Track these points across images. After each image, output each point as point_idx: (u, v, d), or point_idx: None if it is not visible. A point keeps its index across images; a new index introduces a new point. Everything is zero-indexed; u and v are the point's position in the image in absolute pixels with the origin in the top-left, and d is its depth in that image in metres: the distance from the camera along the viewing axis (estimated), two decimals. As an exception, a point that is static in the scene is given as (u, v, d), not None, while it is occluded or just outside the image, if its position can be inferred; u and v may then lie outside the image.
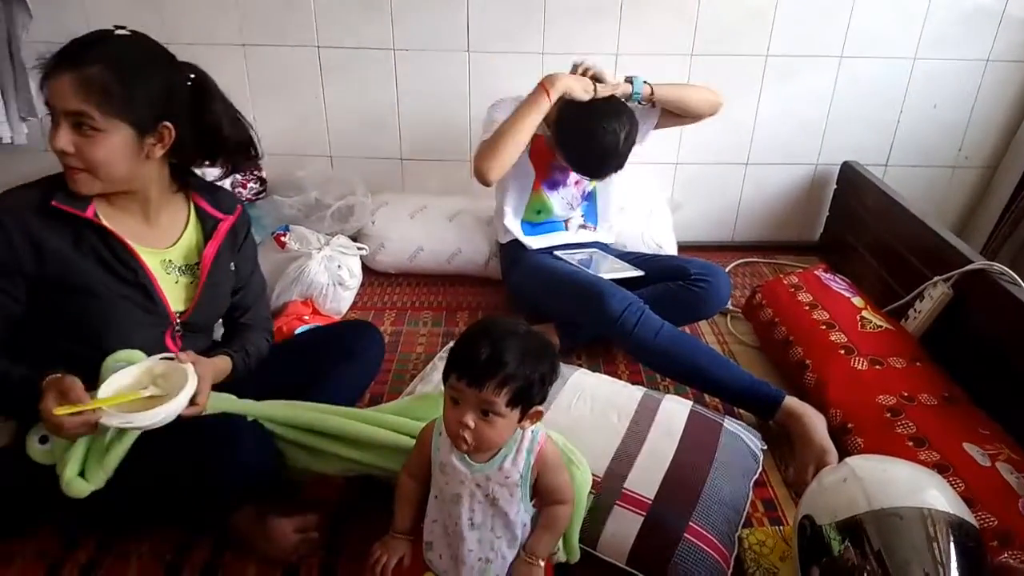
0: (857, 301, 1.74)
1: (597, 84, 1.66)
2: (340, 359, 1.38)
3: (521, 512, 1.03)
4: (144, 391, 1.01)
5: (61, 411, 0.92)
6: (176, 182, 1.18)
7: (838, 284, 1.82)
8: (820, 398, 1.52)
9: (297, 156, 2.21)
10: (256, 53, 2.07)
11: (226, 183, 1.99)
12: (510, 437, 1.01)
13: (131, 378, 1.02)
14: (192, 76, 1.12)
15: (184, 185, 1.20)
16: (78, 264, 1.05)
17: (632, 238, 2.11)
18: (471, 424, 0.93)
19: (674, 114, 1.82)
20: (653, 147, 2.21)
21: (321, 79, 2.11)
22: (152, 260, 1.14)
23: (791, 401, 1.46)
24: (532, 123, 1.64)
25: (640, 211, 2.17)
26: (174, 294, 1.17)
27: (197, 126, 1.11)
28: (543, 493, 1.05)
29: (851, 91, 2.18)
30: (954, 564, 0.95)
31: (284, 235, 1.83)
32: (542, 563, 1.07)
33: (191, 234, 1.21)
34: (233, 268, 1.27)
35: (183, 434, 1.01)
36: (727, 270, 2.23)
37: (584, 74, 1.68)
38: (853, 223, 2.20)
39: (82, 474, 1.00)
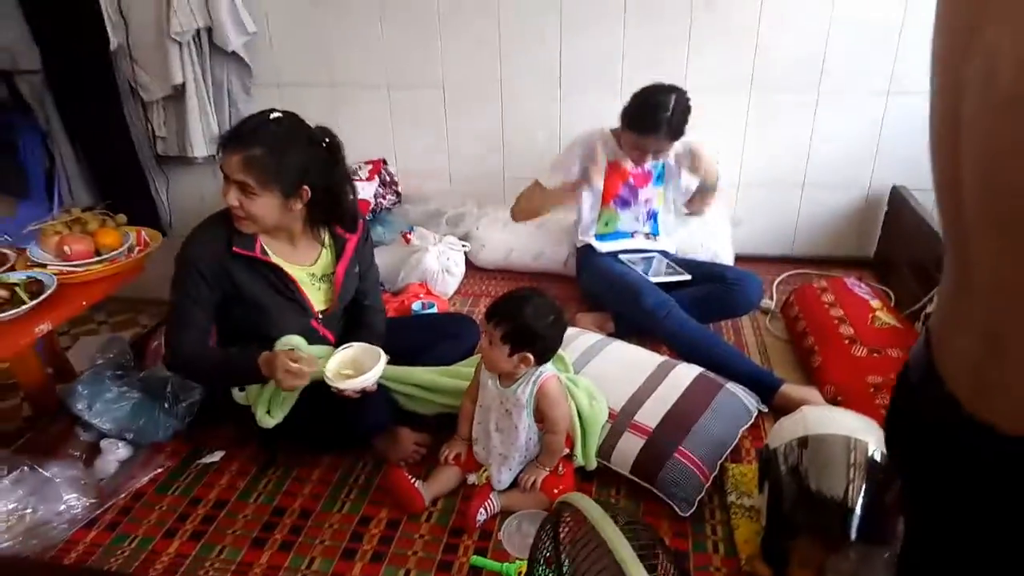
0: (875, 303, 2.02)
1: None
2: (449, 337, 1.89)
3: (525, 426, 1.51)
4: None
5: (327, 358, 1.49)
6: (314, 218, 1.61)
7: (862, 289, 2.10)
8: (819, 376, 1.84)
9: (424, 174, 2.78)
10: (397, 93, 2.67)
11: (370, 194, 2.61)
12: (523, 373, 1.49)
13: (341, 355, 1.53)
14: (326, 139, 1.56)
15: (321, 219, 1.63)
16: (253, 286, 1.56)
17: (692, 247, 2.48)
18: (485, 345, 1.46)
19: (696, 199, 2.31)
20: (718, 166, 2.57)
21: (445, 113, 2.68)
22: (300, 274, 1.62)
23: (788, 387, 1.80)
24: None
25: (702, 225, 2.53)
26: (317, 297, 1.66)
27: (327, 186, 1.56)
28: (541, 418, 1.51)
29: (900, 122, 2.43)
30: (862, 483, 1.27)
31: (409, 234, 2.40)
32: (546, 470, 1.53)
33: (327, 252, 1.68)
34: (357, 270, 1.73)
35: (335, 395, 1.50)
36: (781, 279, 2.55)
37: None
38: (897, 242, 2.43)
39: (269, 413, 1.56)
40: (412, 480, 1.53)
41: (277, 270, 1.59)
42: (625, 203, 2.31)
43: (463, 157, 2.75)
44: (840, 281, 2.16)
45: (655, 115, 2.05)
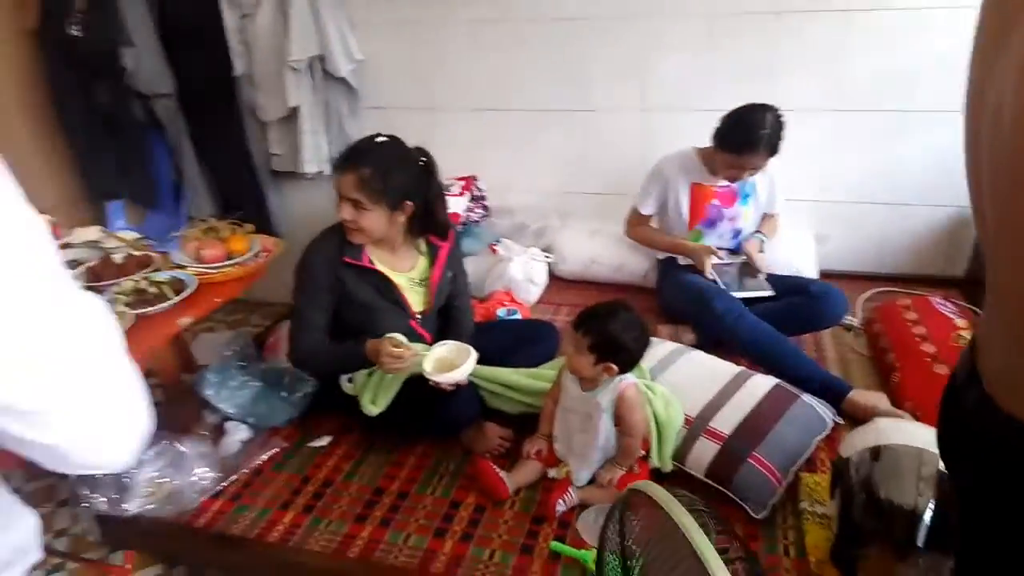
0: (960, 322, 2.01)
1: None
2: (531, 342, 2.03)
3: (605, 429, 1.61)
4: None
5: (426, 354, 1.67)
6: (412, 229, 1.81)
7: (947, 308, 2.09)
8: (899, 393, 1.85)
9: (511, 189, 2.93)
10: (487, 114, 2.84)
11: (462, 207, 2.78)
12: (605, 381, 1.59)
13: (437, 352, 1.70)
14: (423, 159, 1.76)
15: (418, 230, 1.83)
16: (361, 290, 1.77)
17: (774, 263, 2.50)
18: (570, 351, 1.56)
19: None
20: (802, 184, 2.60)
21: (532, 132, 2.82)
22: (401, 280, 1.83)
23: (856, 393, 1.84)
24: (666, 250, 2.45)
25: (786, 241, 2.56)
26: (415, 300, 1.87)
27: (425, 200, 1.76)
28: (619, 422, 1.61)
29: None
30: (931, 494, 1.30)
31: (496, 245, 2.55)
32: (623, 469, 1.63)
33: (424, 259, 1.89)
34: (450, 275, 1.93)
35: (429, 390, 1.67)
36: (866, 296, 2.54)
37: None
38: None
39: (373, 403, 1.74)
40: (497, 471, 1.66)
41: (382, 276, 1.78)
42: (711, 224, 2.38)
43: (548, 173, 2.89)
44: (925, 299, 2.16)
45: (754, 132, 2.10)
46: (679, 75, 2.58)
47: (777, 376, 1.86)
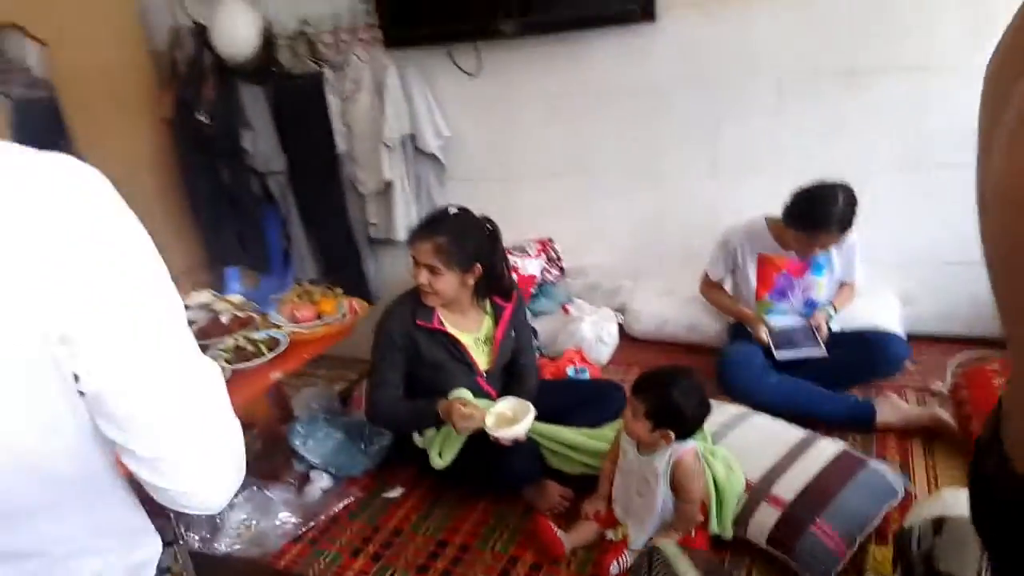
0: (1057, 389, 1.87)
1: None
2: (596, 402, 2.09)
3: (662, 493, 1.61)
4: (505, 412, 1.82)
5: (488, 409, 1.78)
6: (479, 290, 1.95)
7: (1043, 373, 1.95)
8: (983, 463, 1.74)
9: (585, 250, 3.02)
10: (562, 180, 2.96)
11: (537, 269, 2.89)
12: (661, 448, 1.60)
13: (499, 408, 1.82)
14: (489, 226, 1.93)
15: (484, 291, 1.98)
16: (432, 351, 1.91)
17: (856, 326, 2.42)
18: (628, 416, 1.58)
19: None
20: (885, 246, 2.53)
21: (605, 195, 2.92)
22: (468, 340, 1.97)
23: (882, 413, 2.00)
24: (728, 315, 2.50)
25: (870, 304, 2.48)
26: (481, 359, 1.99)
27: (491, 263, 1.91)
28: (676, 488, 1.61)
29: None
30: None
31: (569, 305, 2.64)
32: (678, 536, 1.60)
33: (489, 319, 2.02)
34: (513, 333, 2.04)
35: (492, 446, 1.77)
36: (957, 363, 2.40)
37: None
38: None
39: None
40: (555, 529, 1.70)
41: (451, 337, 1.92)
42: (781, 294, 2.35)
43: (621, 235, 2.96)
44: (1017, 364, 2.02)
45: (825, 212, 2.06)
46: (749, 138, 2.62)
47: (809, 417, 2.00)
